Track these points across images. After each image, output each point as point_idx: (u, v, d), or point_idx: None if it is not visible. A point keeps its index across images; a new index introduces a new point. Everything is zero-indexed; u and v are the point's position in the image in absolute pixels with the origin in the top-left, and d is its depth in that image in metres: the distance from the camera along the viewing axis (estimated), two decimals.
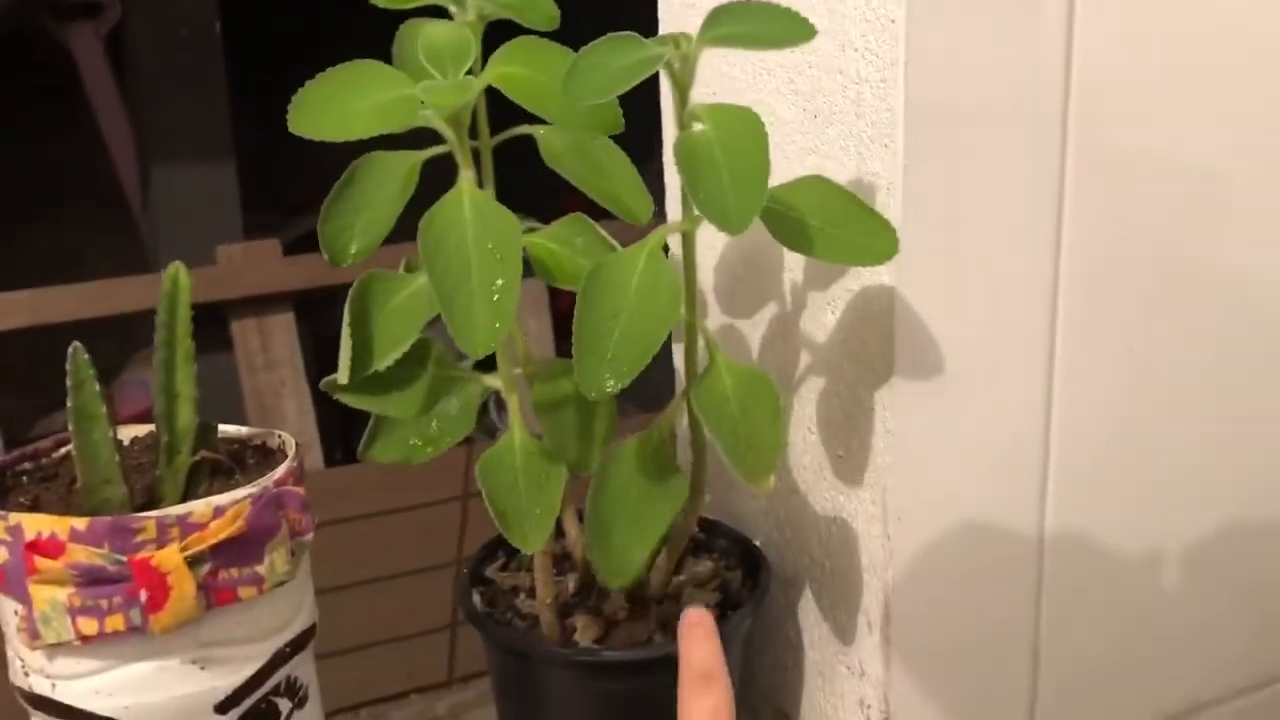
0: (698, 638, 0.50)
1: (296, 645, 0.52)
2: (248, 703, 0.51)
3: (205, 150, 1.91)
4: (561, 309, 2.54)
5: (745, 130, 0.44)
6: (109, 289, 1.69)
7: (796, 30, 0.44)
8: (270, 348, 1.74)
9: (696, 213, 0.50)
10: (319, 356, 1.98)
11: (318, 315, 2.01)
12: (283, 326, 1.75)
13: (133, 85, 1.99)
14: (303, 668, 0.54)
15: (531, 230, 0.55)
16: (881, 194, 0.54)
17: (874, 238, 0.49)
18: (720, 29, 0.45)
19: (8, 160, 2.31)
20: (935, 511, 0.59)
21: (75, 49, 2.02)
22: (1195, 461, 0.66)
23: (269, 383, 1.74)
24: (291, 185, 2.48)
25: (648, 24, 0.64)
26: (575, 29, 0.53)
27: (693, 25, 0.64)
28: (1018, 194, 0.56)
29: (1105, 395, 0.62)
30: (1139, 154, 0.59)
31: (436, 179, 0.53)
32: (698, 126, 0.46)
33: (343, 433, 2.08)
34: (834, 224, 0.49)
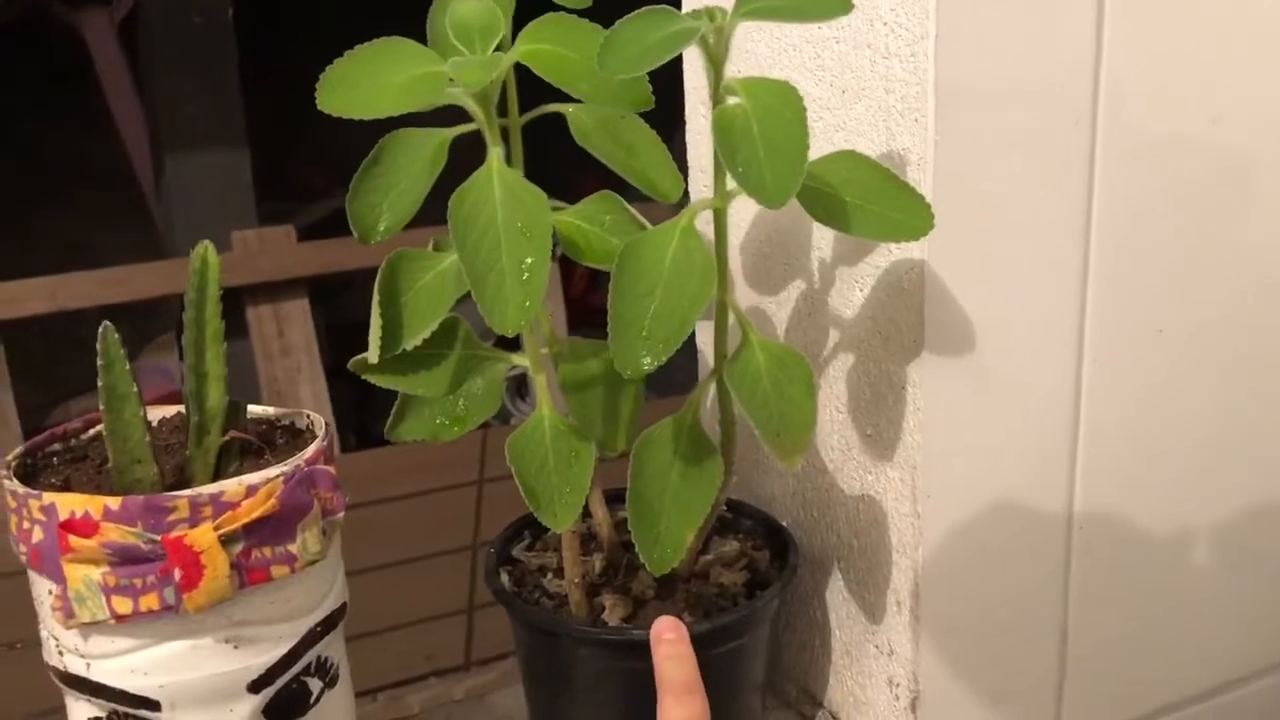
0: (675, 654, 0.49)
1: (328, 624, 0.52)
2: (280, 681, 0.51)
3: (219, 137, 1.91)
4: (573, 296, 2.54)
5: (782, 104, 0.44)
6: (126, 275, 1.69)
7: (835, 3, 0.43)
8: (286, 333, 1.74)
9: (729, 189, 0.50)
10: (333, 342, 1.98)
11: (331, 301, 2.01)
12: (298, 312, 1.75)
13: (146, 73, 1.99)
14: (333, 647, 0.54)
15: (559, 209, 0.55)
16: (912, 169, 0.53)
17: (909, 213, 0.48)
18: (758, 2, 0.44)
19: (21, 148, 2.32)
20: (965, 490, 0.58)
21: (88, 36, 2.02)
22: (1224, 441, 0.66)
23: (285, 368, 1.74)
24: (303, 173, 2.49)
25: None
26: (601, 6, 0.52)
27: (723, 1, 0.64)
28: (1048, 171, 0.56)
29: (1134, 375, 0.61)
30: (1169, 135, 0.59)
31: (461, 157, 0.53)
32: (733, 100, 0.45)
33: (357, 418, 2.08)
34: (869, 200, 0.48)
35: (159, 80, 1.91)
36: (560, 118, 0.55)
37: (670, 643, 0.49)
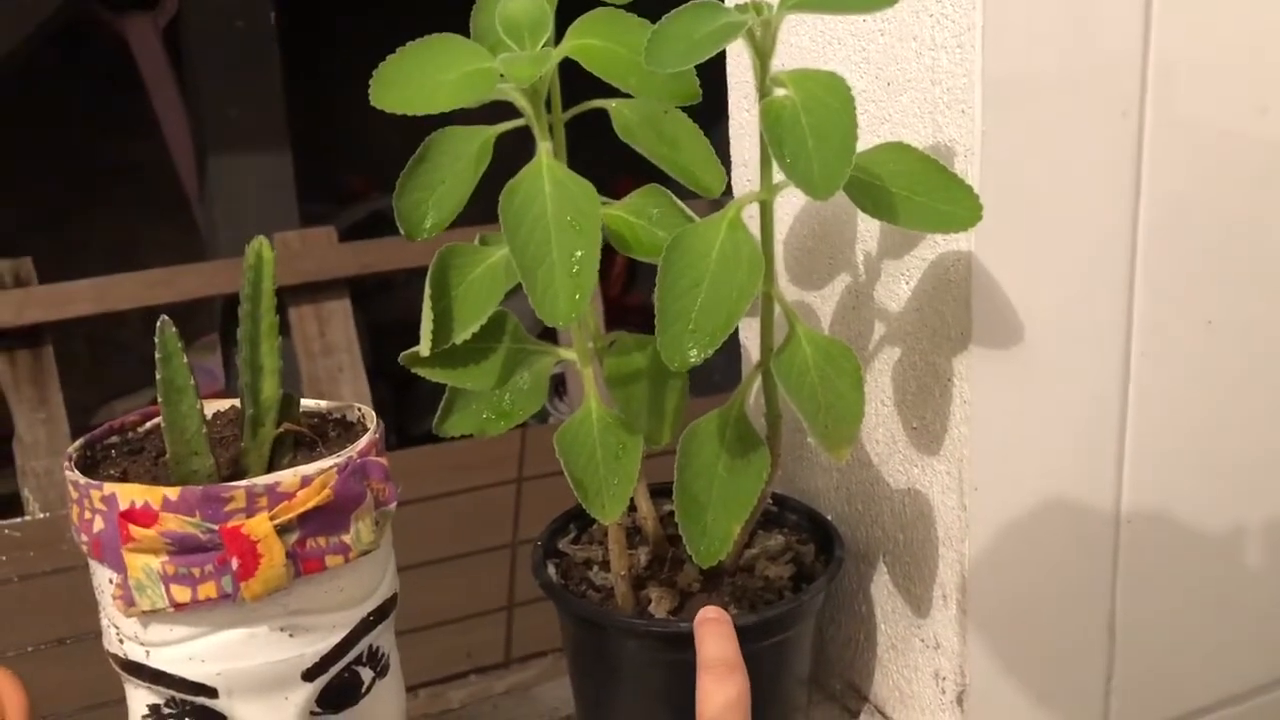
0: (718, 632, 0.49)
1: (380, 614, 0.53)
2: (333, 670, 0.51)
3: (261, 140, 1.93)
4: (609, 296, 2.55)
5: (830, 95, 0.44)
6: (171, 276, 1.72)
7: None
8: (327, 333, 1.76)
9: (775, 182, 0.50)
10: (373, 342, 2.00)
11: (371, 302, 2.03)
12: (339, 312, 1.77)
13: (189, 77, 2.02)
14: (384, 637, 0.55)
15: (606, 203, 0.55)
16: (959, 161, 0.53)
17: (956, 204, 0.48)
18: None
19: (68, 152, 2.36)
20: (1012, 483, 0.58)
21: (133, 41, 2.05)
22: (1275, 435, 0.65)
23: (326, 367, 1.76)
24: (342, 175, 2.51)
25: None
26: (645, 1, 0.53)
27: None
28: (1095, 163, 0.55)
29: (1183, 368, 0.61)
30: (1217, 126, 0.58)
31: (497, 154, 0.54)
32: (780, 92, 0.45)
33: (396, 418, 2.10)
34: (916, 191, 0.48)
35: (203, 84, 1.94)
36: (596, 118, 0.55)
37: (712, 621, 0.49)
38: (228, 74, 1.90)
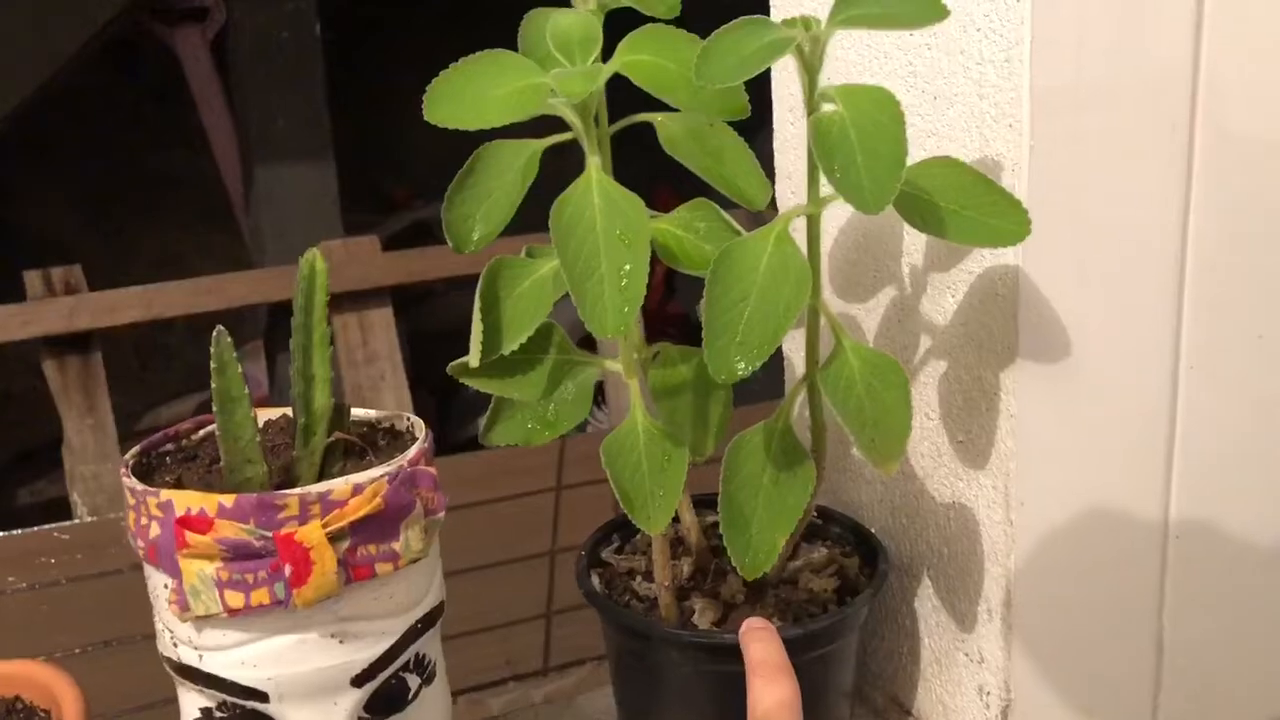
0: (764, 637, 0.49)
1: (427, 621, 0.54)
2: (382, 676, 0.52)
3: (307, 150, 1.96)
4: (649, 306, 2.55)
5: (879, 110, 0.44)
6: (218, 284, 1.74)
7: (931, 10, 0.43)
8: (370, 341, 1.77)
9: (822, 195, 0.51)
10: (414, 350, 2.02)
11: (411, 310, 2.05)
12: (382, 321, 1.78)
13: (237, 88, 2.05)
14: (431, 644, 0.55)
15: (654, 217, 0.55)
16: (1006, 175, 0.53)
17: (1005, 219, 0.48)
18: (853, 10, 0.45)
19: (116, 161, 2.40)
20: (1058, 497, 0.58)
21: (182, 53, 2.09)
22: None
23: (368, 376, 1.78)
24: (385, 185, 2.54)
25: (759, 8, 0.64)
26: (691, 15, 0.53)
27: (809, 7, 0.65)
28: (1144, 177, 0.55)
29: (1233, 383, 0.60)
30: (1267, 139, 0.58)
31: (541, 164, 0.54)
32: (828, 107, 0.46)
33: (436, 425, 2.12)
34: (965, 205, 0.48)
35: (249, 95, 1.97)
36: (632, 127, 0.55)
37: (758, 629, 0.50)
38: (274, 85, 1.93)
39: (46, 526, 1.14)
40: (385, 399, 1.78)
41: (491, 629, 0.97)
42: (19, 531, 1.13)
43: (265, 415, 0.59)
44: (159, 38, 2.10)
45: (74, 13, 1.83)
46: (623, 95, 0.54)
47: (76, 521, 1.48)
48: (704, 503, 0.65)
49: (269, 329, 2.05)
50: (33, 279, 1.76)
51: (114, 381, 1.82)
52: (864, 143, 0.43)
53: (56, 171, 2.37)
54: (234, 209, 2.17)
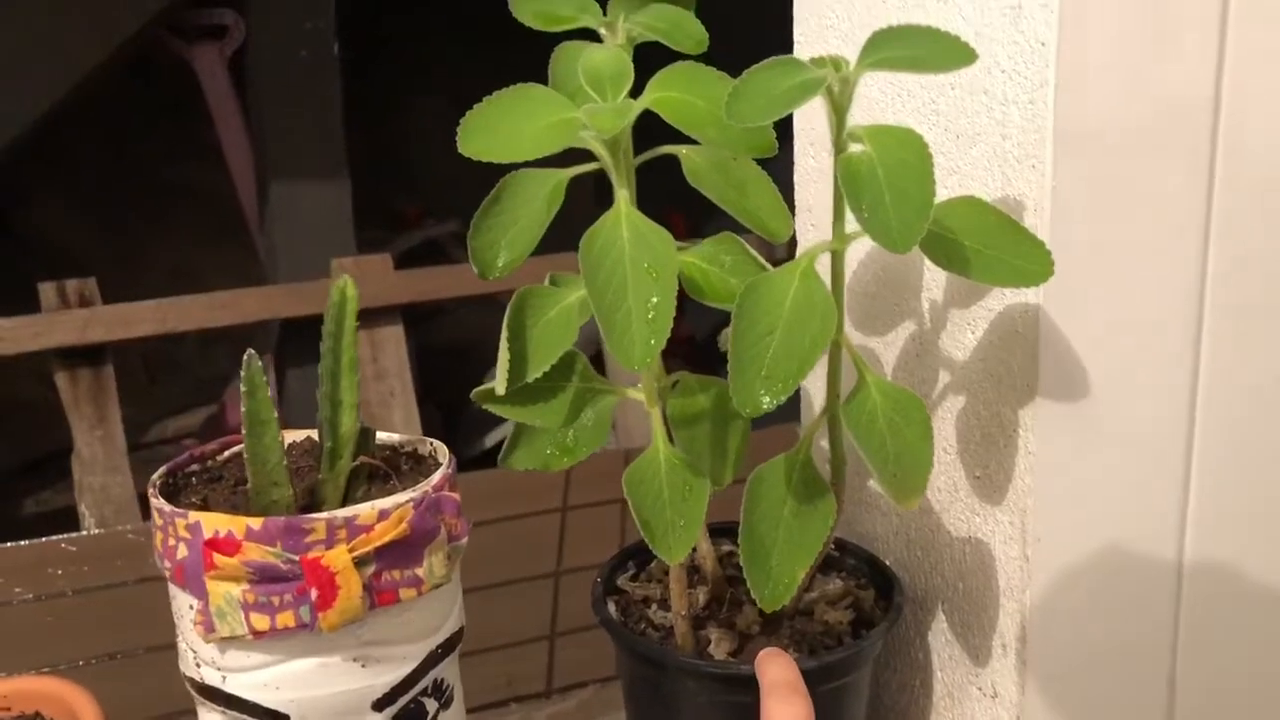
0: (780, 661, 0.50)
1: (448, 647, 0.54)
2: (402, 701, 0.52)
3: (322, 167, 1.97)
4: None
5: (907, 151, 0.45)
6: (232, 299, 1.75)
7: (959, 54, 0.44)
8: (380, 358, 1.78)
9: (848, 232, 0.51)
10: (422, 367, 2.03)
11: (419, 328, 2.06)
12: (393, 339, 1.79)
13: (254, 105, 2.07)
14: (450, 670, 0.56)
15: (681, 249, 0.56)
16: (1029, 215, 0.54)
17: (1029, 259, 0.49)
18: (882, 53, 0.46)
19: (132, 175, 2.41)
20: (1075, 534, 0.58)
21: (199, 70, 2.11)
22: None
23: (378, 393, 1.78)
24: (397, 202, 2.55)
25: (782, 44, 0.64)
26: (717, 52, 0.54)
27: (833, 46, 0.65)
28: (1165, 218, 0.56)
29: (1250, 422, 0.61)
30: None
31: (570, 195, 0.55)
32: (856, 147, 0.46)
33: (444, 443, 2.12)
34: (989, 245, 0.49)
35: (266, 112, 1.98)
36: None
37: (774, 654, 0.51)
38: (291, 103, 1.95)
39: (54, 538, 1.14)
40: (394, 416, 1.78)
41: (494, 649, 0.98)
42: (26, 542, 1.13)
43: (290, 437, 0.59)
44: (177, 54, 2.12)
45: (93, 29, 1.85)
46: (642, 124, 0.55)
47: (84, 533, 1.48)
48: (719, 531, 0.65)
49: (279, 344, 2.06)
50: (47, 291, 1.76)
51: (122, 394, 1.83)
52: (892, 183, 0.44)
53: (71, 183, 2.38)
54: (248, 224, 2.19)
